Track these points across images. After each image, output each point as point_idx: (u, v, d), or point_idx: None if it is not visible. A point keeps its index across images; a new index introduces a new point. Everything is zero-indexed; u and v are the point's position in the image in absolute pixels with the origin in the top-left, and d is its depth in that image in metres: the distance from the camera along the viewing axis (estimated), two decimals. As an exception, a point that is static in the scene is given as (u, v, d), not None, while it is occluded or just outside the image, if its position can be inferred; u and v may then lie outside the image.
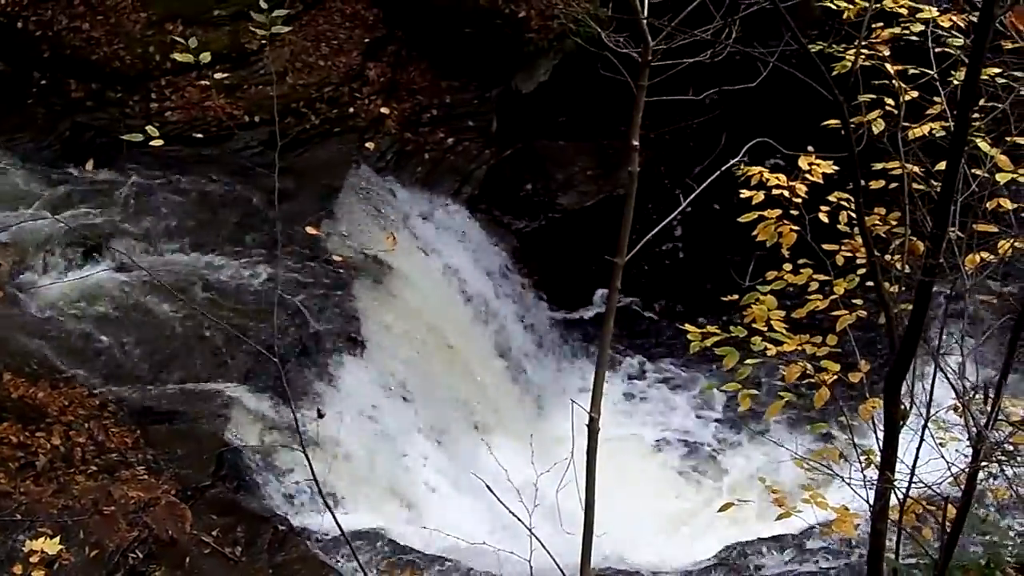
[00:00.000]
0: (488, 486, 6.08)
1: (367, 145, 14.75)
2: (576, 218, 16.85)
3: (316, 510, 11.74)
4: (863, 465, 5.95)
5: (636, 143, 5.50)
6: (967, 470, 5.33)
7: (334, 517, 5.89)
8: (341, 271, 13.46)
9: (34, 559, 7.01)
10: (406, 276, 14.12)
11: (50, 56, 15.34)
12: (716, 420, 14.45)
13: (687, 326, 6.99)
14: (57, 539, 7.38)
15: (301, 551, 11.04)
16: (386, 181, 15.21)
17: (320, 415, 11.85)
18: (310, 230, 8.65)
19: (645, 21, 5.34)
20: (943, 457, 5.88)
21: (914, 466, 5.72)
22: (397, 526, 11.89)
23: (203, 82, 14.70)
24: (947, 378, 5.44)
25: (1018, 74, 6.30)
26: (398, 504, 12.29)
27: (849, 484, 5.80)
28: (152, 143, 5.56)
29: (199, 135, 14.16)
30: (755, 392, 6.85)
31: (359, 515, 11.91)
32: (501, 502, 6.02)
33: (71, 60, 15.33)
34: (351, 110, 15.53)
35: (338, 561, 11.11)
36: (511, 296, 15.62)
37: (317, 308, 12.97)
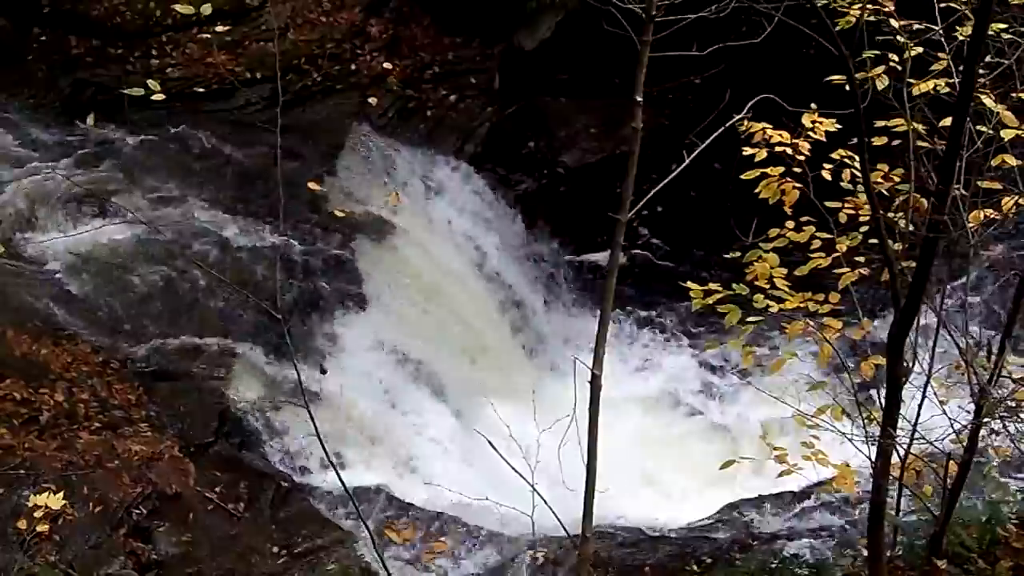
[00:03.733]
0: (490, 442, 6.09)
1: (369, 101, 14.66)
2: (579, 176, 16.80)
3: (318, 467, 11.79)
4: (865, 423, 5.96)
5: (639, 99, 5.49)
6: (969, 426, 5.34)
7: (337, 473, 5.91)
8: (343, 228, 13.44)
9: (38, 514, 7.03)
10: (408, 233, 14.10)
11: (50, 12, 15.24)
12: (718, 377, 14.45)
13: (689, 284, 6.99)
14: (61, 494, 7.40)
15: (303, 507, 11.11)
16: (388, 138, 15.15)
17: (323, 371, 11.88)
18: (312, 185, 8.63)
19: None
20: (945, 414, 5.89)
21: (916, 423, 5.73)
22: (399, 483, 11.92)
23: (205, 36, 14.64)
24: (950, 335, 5.44)
25: (1025, 29, 6.26)
26: (400, 461, 12.31)
27: (851, 440, 5.81)
28: (154, 97, 5.53)
29: (200, 91, 14.12)
30: (757, 349, 6.85)
31: (361, 472, 11.94)
32: (503, 458, 6.04)
33: (71, 16, 15.24)
34: (353, 67, 15.45)
35: (340, 517, 11.15)
36: (513, 253, 15.60)
37: (319, 266, 12.97)
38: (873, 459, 5.72)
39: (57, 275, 12.28)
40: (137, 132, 14.14)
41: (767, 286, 6.68)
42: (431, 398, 13.10)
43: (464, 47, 16.28)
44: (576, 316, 15.62)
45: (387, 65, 15.51)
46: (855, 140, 6.06)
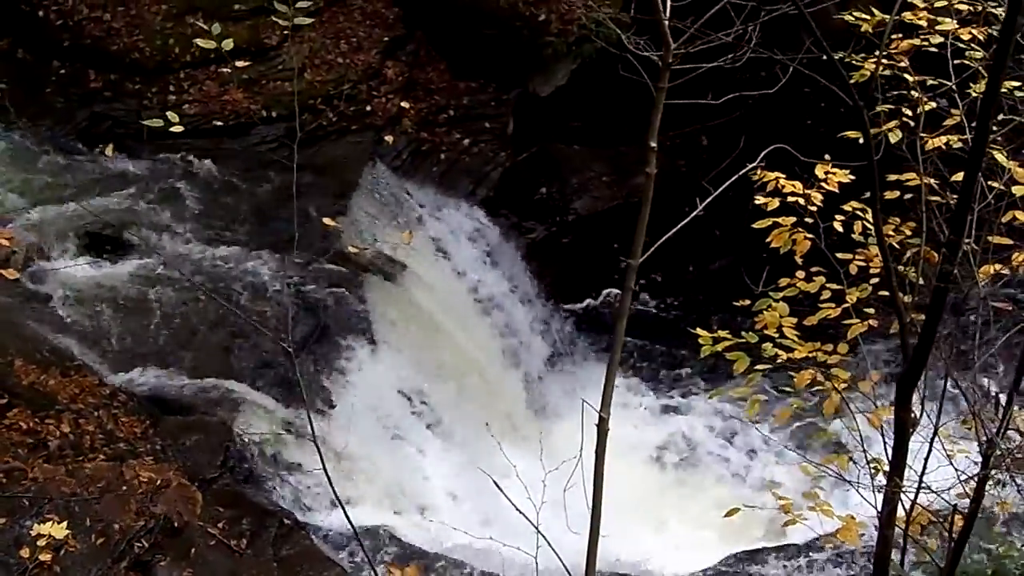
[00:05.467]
0: (495, 482, 6.09)
1: (384, 142, 14.77)
2: (590, 223, 16.89)
3: (321, 505, 11.78)
4: (872, 473, 5.96)
5: (654, 144, 5.52)
6: (976, 477, 5.34)
7: (344, 511, 5.93)
8: (353, 267, 13.49)
9: (41, 543, 7.03)
10: (418, 275, 14.14)
11: (70, 45, 15.38)
12: (724, 425, 14.45)
13: (698, 330, 7.00)
14: (64, 524, 7.40)
15: (306, 546, 11.07)
16: (401, 180, 15.24)
17: (331, 406, 11.87)
18: (328, 221, 8.66)
19: (667, 23, 5.37)
20: (952, 465, 5.89)
21: (922, 473, 5.72)
22: (402, 523, 11.92)
23: (223, 73, 14.78)
24: (958, 386, 5.45)
25: (1037, 88, 6.31)
26: (404, 501, 12.31)
27: (857, 489, 5.80)
28: (172, 129, 5.59)
29: (216, 127, 14.23)
30: (764, 398, 6.86)
31: (365, 511, 11.93)
32: (508, 498, 6.03)
33: (91, 50, 15.37)
34: (368, 108, 15.55)
35: (342, 557, 11.13)
36: (522, 298, 15.64)
37: (328, 303, 13.01)
38: (879, 509, 5.72)
39: (67, 306, 12.33)
40: (152, 166, 14.26)
41: (776, 335, 6.70)
42: (435, 439, 13.11)
43: (479, 92, 16.39)
44: (582, 362, 15.64)
45: (403, 107, 15.61)
46: (867, 193, 6.09)
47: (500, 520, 9.79)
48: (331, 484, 5.84)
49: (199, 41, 5.72)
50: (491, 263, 15.49)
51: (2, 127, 14.14)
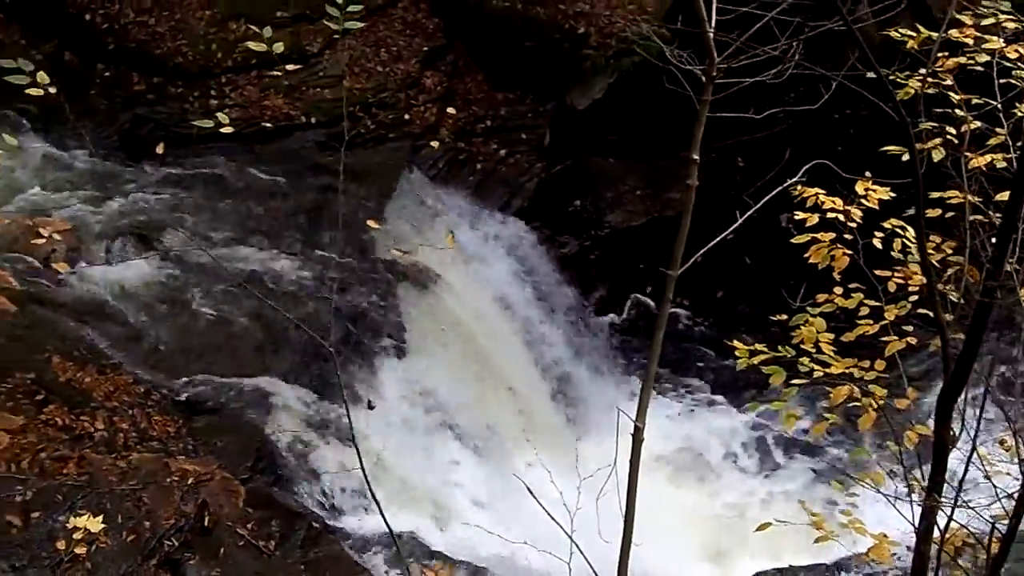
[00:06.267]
0: (528, 488, 6.11)
1: (421, 151, 14.84)
2: (623, 236, 16.91)
3: (350, 509, 11.82)
4: (908, 490, 5.94)
5: (696, 157, 5.54)
6: (1015, 495, 5.31)
7: (381, 512, 5.91)
8: (388, 274, 13.57)
9: (77, 536, 7.10)
10: (451, 283, 14.20)
11: (115, 48, 15.58)
12: (759, 439, 14.41)
13: (735, 343, 6.98)
14: (100, 518, 7.47)
15: (334, 549, 11.11)
16: (437, 188, 15.32)
17: (370, 407, 11.91)
18: (371, 223, 8.72)
19: (712, 35, 5.39)
20: (991, 482, 5.86)
21: (959, 490, 5.70)
22: (430, 529, 11.94)
23: (264, 78, 14.92)
24: (998, 404, 5.43)
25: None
26: (432, 507, 12.33)
27: (894, 504, 5.78)
28: (223, 130, 5.66)
29: (257, 132, 14.36)
30: (800, 412, 6.84)
31: (392, 516, 11.92)
32: (541, 505, 6.04)
33: (135, 54, 15.56)
34: (406, 116, 15.65)
35: (371, 561, 11.16)
36: (553, 309, 15.66)
37: (362, 309, 13.08)
38: (916, 526, 5.69)
39: (105, 304, 12.43)
40: (192, 168, 14.40)
41: (813, 350, 6.68)
42: (465, 445, 13.13)
43: (517, 103, 16.45)
44: (613, 373, 15.63)
45: (440, 116, 15.70)
46: (908, 210, 6.09)
47: (529, 528, 9.79)
48: (369, 486, 5.87)
49: (250, 44, 5.79)
50: (524, 274, 15.52)
51: (38, 127, 14.33)
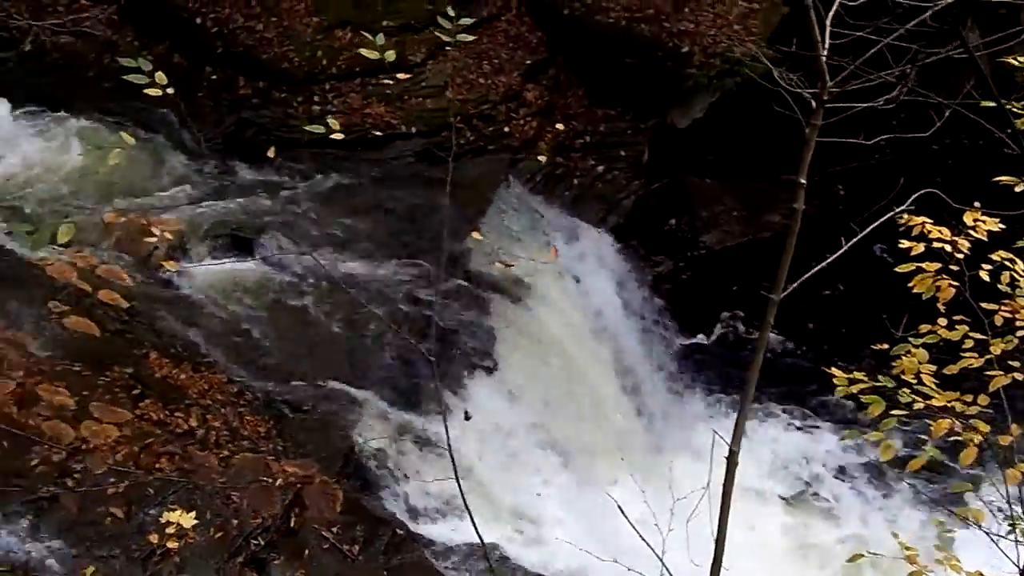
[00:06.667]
0: (620, 507, 6.08)
1: (519, 164, 14.89)
2: (718, 257, 16.82)
3: (434, 517, 11.87)
4: (1011, 528, 5.80)
5: (803, 181, 5.48)
6: None
7: (474, 525, 5.94)
8: (482, 285, 13.61)
9: (169, 530, 7.20)
10: (544, 297, 14.19)
11: (223, 52, 15.87)
12: (853, 469, 14.19)
13: (833, 370, 6.88)
14: (193, 513, 7.58)
15: (416, 557, 11.15)
16: (534, 202, 15.33)
17: (467, 417, 11.94)
18: (476, 235, 8.76)
19: (824, 59, 5.33)
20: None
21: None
22: (513, 543, 11.93)
23: (367, 86, 15.09)
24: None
25: None
26: (516, 521, 12.32)
27: (995, 543, 5.65)
28: (333, 137, 5.72)
29: (357, 140, 14.50)
30: (898, 444, 6.71)
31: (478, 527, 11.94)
32: (632, 525, 6.01)
33: (242, 58, 15.85)
34: (506, 129, 15.71)
35: (452, 570, 11.18)
36: (645, 327, 15.59)
37: (456, 319, 13.11)
38: (1019, 565, 5.56)
39: (203, 304, 12.63)
40: (292, 172, 14.58)
41: (914, 381, 6.55)
42: (553, 460, 13.10)
43: (617, 119, 16.44)
44: (702, 394, 15.51)
45: (540, 130, 15.74)
46: (1019, 242, 5.95)
47: (615, 546, 9.74)
48: (463, 496, 5.88)
49: (363, 51, 5.84)
50: (617, 291, 15.48)
51: (151, 127, 14.64)
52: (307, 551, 10.53)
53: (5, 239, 12.17)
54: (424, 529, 11.68)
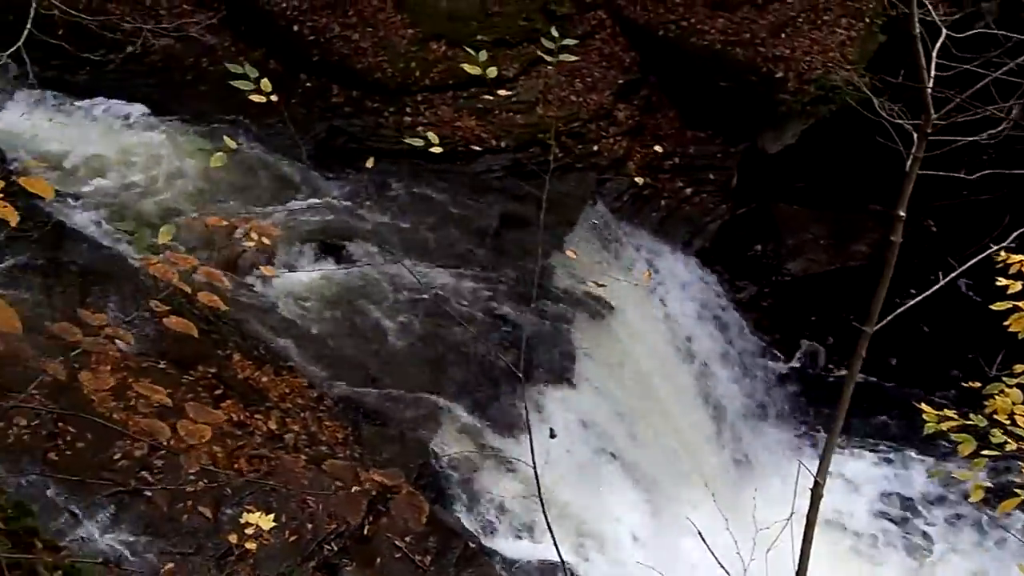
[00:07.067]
0: (700, 533, 6.03)
1: (606, 183, 14.87)
2: (802, 285, 16.67)
3: (506, 532, 11.83)
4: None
5: (903, 213, 5.42)
6: None
7: (555, 543, 5.92)
8: (564, 302, 13.59)
9: (248, 531, 7.26)
10: (626, 318, 14.14)
11: (318, 61, 16.05)
12: (940, 507, 13.93)
13: (923, 406, 6.78)
14: (272, 515, 7.63)
15: (487, 571, 11.11)
16: (620, 222, 15.30)
17: (552, 435, 11.91)
18: (571, 254, 8.75)
19: (929, 90, 5.27)
20: None
21: None
22: (584, 563, 11.86)
23: (458, 99, 15.16)
24: None
25: None
26: (588, 541, 12.25)
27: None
28: (431, 149, 5.74)
29: (447, 153, 14.57)
30: (988, 485, 6.59)
31: (547, 546, 11.91)
32: (711, 552, 5.96)
33: (337, 66, 16.01)
34: (595, 147, 15.71)
35: (522, 588, 11.16)
36: (726, 352, 15.48)
37: (538, 335, 13.09)
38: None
39: (288, 309, 12.76)
40: (382, 182, 14.68)
41: (1007, 422, 6.42)
42: (629, 480, 13.02)
43: (706, 142, 16.38)
44: (781, 422, 15.34)
45: (630, 150, 15.70)
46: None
47: (688, 571, 9.67)
48: (545, 514, 5.87)
49: (465, 66, 5.86)
50: (699, 314, 15.39)
51: (249, 132, 14.84)
52: (379, 559, 10.54)
53: (106, 237, 12.42)
54: (497, 544, 11.64)
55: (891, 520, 13.98)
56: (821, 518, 5.51)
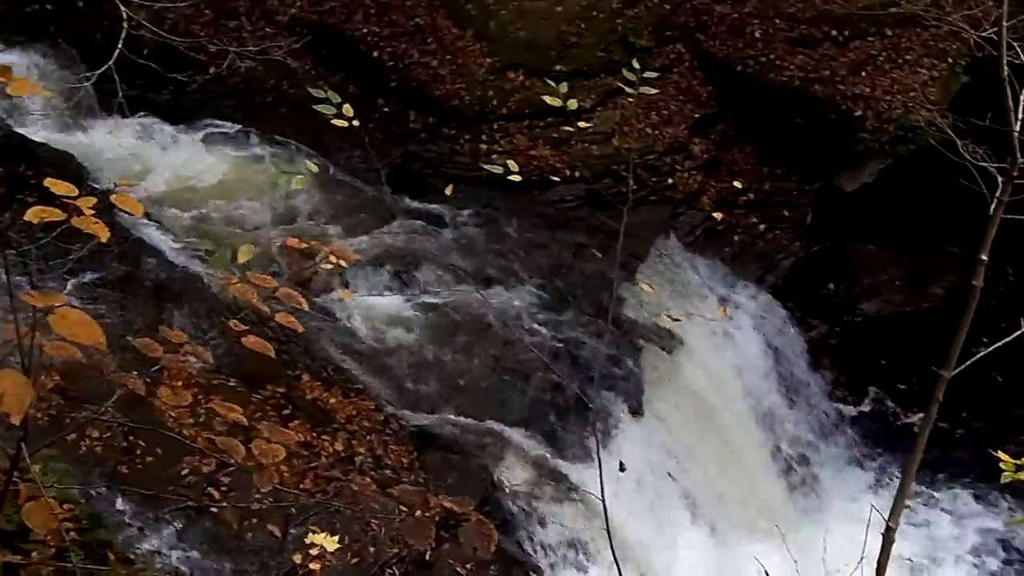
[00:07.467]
0: (767, 571, 5.95)
1: (680, 216, 14.83)
2: (874, 326, 16.47)
3: (567, 564, 11.77)
4: None
5: (985, 258, 5.35)
6: None
7: (619, 570, 5.87)
8: (633, 333, 13.54)
9: (313, 551, 7.29)
10: (695, 353, 14.07)
11: (396, 86, 16.17)
12: (1018, 559, 13.65)
13: (1000, 453, 6.65)
14: (336, 537, 7.66)
15: (548, 603, 11.09)
16: (692, 256, 15.25)
17: (622, 469, 11.87)
18: (646, 287, 8.75)
19: (1016, 133, 5.20)
20: None
21: None
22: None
23: (534, 129, 15.22)
24: None
25: None
26: (653, 573, 12.15)
27: None
28: (511, 178, 5.75)
29: (520, 181, 14.57)
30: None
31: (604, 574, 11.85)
32: (779, 592, 5.90)
33: (414, 93, 16.12)
34: (670, 181, 15.69)
35: (581, 620, 11.10)
36: (794, 390, 15.33)
37: (605, 364, 13.05)
38: None
39: (359, 332, 12.83)
40: (454, 209, 14.76)
41: (1088, 472, 6.28)
42: (693, 516, 12.92)
43: (782, 179, 16.29)
44: (849, 464, 15.14)
45: (705, 184, 15.65)
46: None
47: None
48: (612, 548, 5.82)
49: (546, 98, 5.89)
50: (768, 351, 15.26)
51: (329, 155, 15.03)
52: (439, 585, 10.55)
53: (181, 255, 12.59)
54: (557, 574, 11.60)
55: (968, 565, 13.71)
56: (892, 562, 5.43)
